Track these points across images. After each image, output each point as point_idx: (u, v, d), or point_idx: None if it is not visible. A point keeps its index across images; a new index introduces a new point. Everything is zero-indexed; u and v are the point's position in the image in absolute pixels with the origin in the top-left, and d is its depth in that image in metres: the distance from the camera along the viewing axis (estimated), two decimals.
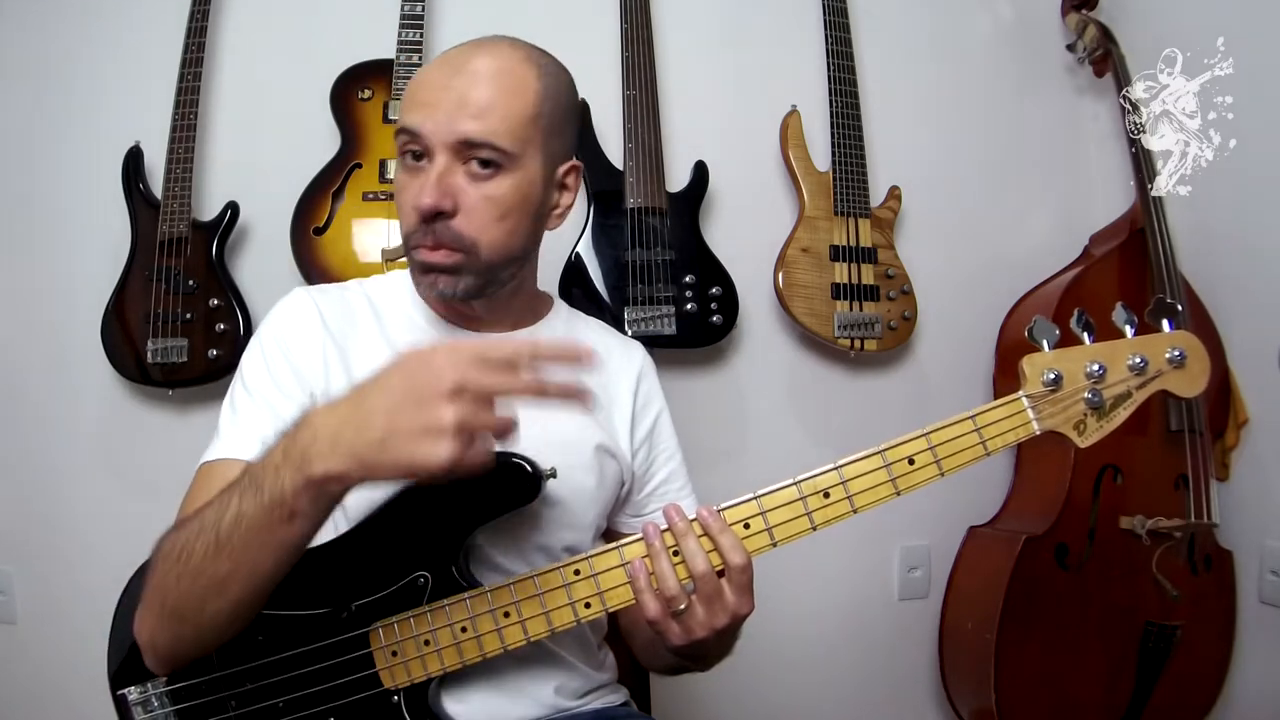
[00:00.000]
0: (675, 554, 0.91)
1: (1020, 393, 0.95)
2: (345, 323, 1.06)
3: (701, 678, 1.62)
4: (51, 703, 1.72)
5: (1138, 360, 0.95)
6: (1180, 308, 0.99)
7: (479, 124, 0.94)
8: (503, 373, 0.76)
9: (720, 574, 0.90)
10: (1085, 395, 0.94)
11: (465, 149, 0.95)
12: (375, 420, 0.74)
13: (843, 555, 1.93)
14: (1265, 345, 1.44)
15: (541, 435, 1.03)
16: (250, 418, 0.98)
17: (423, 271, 0.99)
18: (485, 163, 0.96)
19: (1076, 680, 1.70)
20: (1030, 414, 0.94)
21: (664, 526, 0.92)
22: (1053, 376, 0.94)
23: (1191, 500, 1.70)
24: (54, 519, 1.75)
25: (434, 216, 0.95)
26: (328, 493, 0.78)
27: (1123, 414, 0.96)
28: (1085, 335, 0.96)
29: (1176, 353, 0.96)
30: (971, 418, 0.94)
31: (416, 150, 0.97)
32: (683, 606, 0.90)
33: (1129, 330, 0.96)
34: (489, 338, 1.08)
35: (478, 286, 1.00)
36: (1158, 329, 0.97)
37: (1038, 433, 0.95)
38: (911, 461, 0.93)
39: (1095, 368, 0.94)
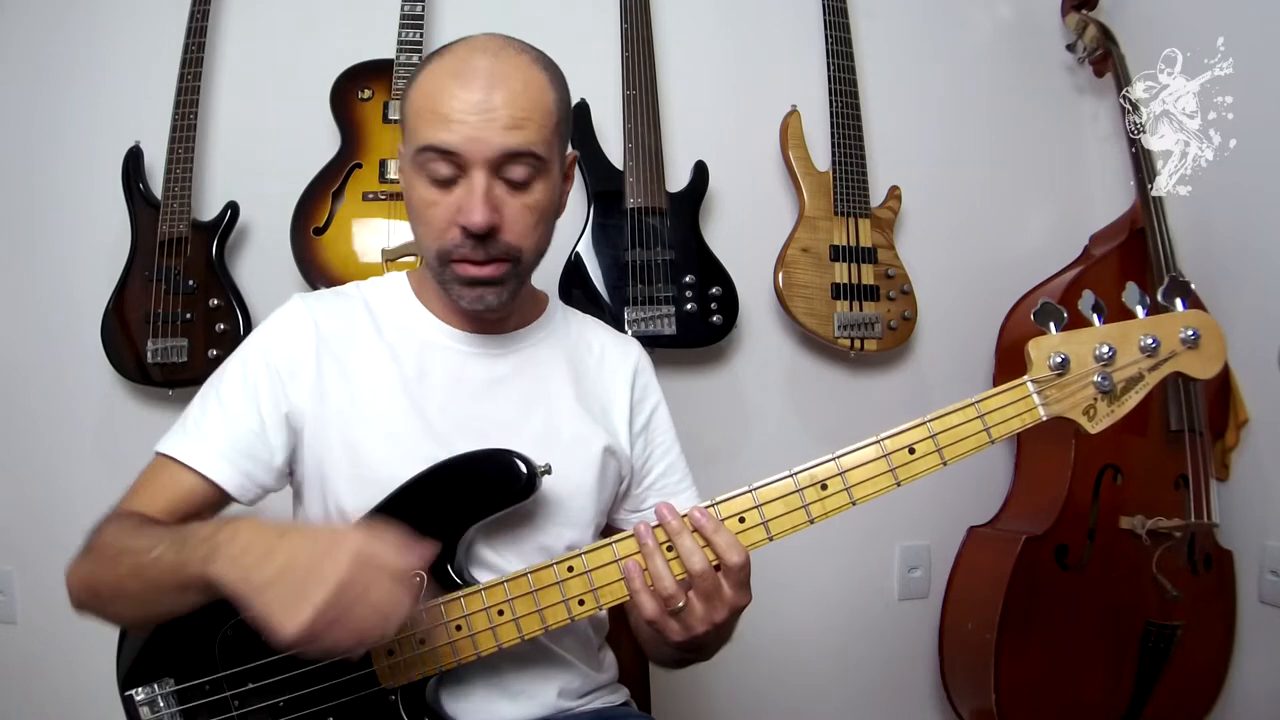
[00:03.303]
0: (670, 549, 0.90)
1: (1025, 377, 0.91)
2: (344, 332, 1.06)
3: (703, 677, 1.62)
4: (51, 703, 1.72)
5: (1150, 341, 0.91)
6: (1194, 286, 0.94)
7: (519, 135, 0.94)
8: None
9: (717, 569, 0.89)
10: (1094, 379, 0.91)
11: (506, 161, 0.95)
12: (338, 598, 0.74)
13: (843, 555, 1.94)
14: (1265, 345, 1.44)
15: (542, 433, 1.04)
16: (213, 428, 1.01)
17: (468, 285, 0.99)
18: (520, 173, 0.96)
19: (1076, 680, 1.70)
20: (1036, 399, 0.91)
21: (655, 524, 0.91)
22: (1060, 360, 0.90)
23: (1191, 500, 1.70)
24: (54, 519, 1.74)
25: (486, 233, 0.95)
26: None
27: (1135, 397, 0.92)
28: (1096, 318, 0.92)
29: (1190, 333, 0.91)
30: (974, 404, 0.91)
31: (446, 172, 0.95)
32: (681, 604, 0.89)
33: (1140, 311, 0.92)
34: (483, 339, 1.08)
35: (515, 291, 1.03)
36: (1171, 310, 0.93)
37: (1044, 418, 0.91)
38: (912, 451, 0.90)
39: (1105, 350, 0.90)
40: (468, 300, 1.00)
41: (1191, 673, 1.74)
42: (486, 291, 1.00)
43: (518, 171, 0.96)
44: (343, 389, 1.03)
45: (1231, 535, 1.78)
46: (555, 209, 1.04)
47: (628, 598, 0.91)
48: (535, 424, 1.05)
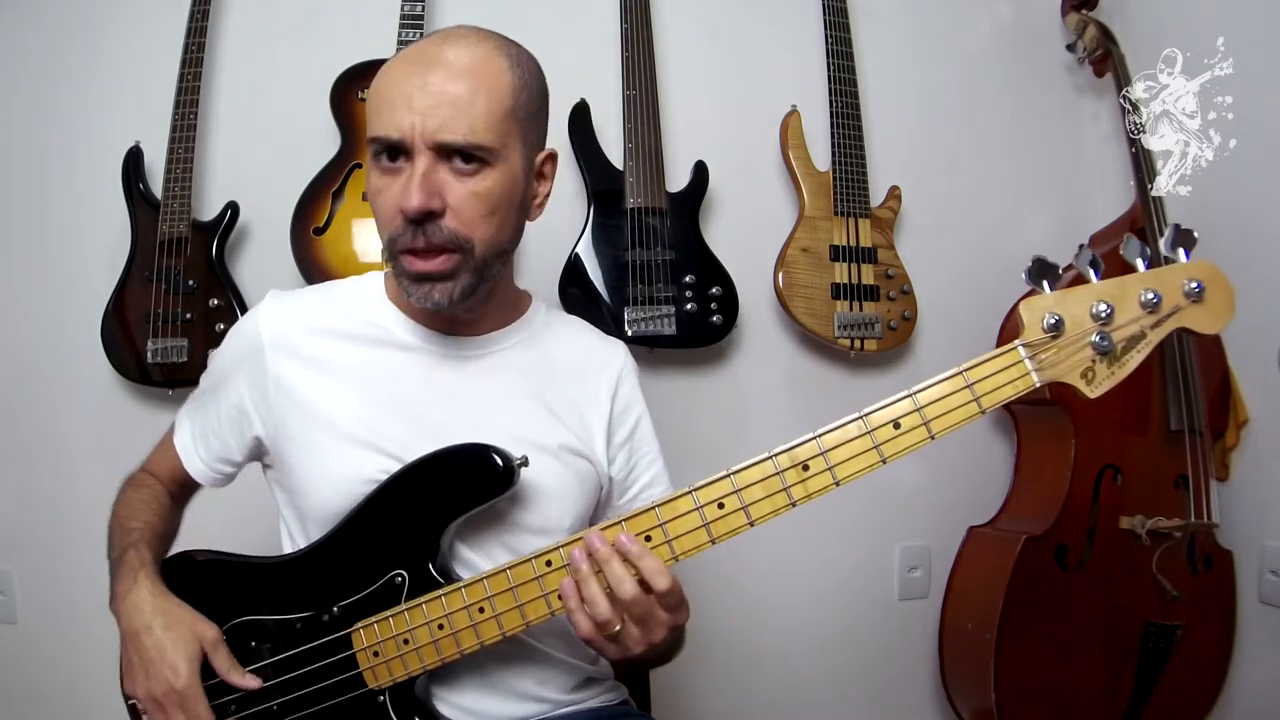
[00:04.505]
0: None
1: (1017, 341, 0.85)
2: (308, 330, 1.05)
3: (702, 677, 1.61)
4: (51, 703, 1.72)
5: (1150, 296, 0.84)
6: (1197, 235, 0.86)
7: (460, 124, 0.91)
8: None
9: (649, 591, 0.88)
10: (1092, 339, 0.84)
11: (448, 148, 0.92)
12: (144, 669, 0.94)
13: (843, 556, 1.93)
14: (1265, 345, 1.44)
15: (502, 439, 0.99)
16: (190, 426, 1.13)
17: (415, 281, 0.95)
18: (468, 158, 0.93)
19: (1077, 680, 1.70)
20: (1028, 364, 0.84)
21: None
22: (1054, 321, 0.84)
23: (1191, 500, 1.70)
24: (54, 519, 1.75)
25: (424, 217, 0.92)
26: None
27: (1137, 357, 0.85)
28: (1092, 274, 0.86)
29: (1194, 285, 0.84)
30: (962, 373, 0.85)
31: (391, 160, 0.94)
32: (617, 629, 0.88)
33: (1140, 264, 0.86)
34: (452, 340, 1.07)
35: (472, 287, 0.97)
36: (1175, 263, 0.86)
37: (1038, 384, 0.85)
38: (897, 425, 0.85)
39: (1102, 308, 0.84)
40: (417, 297, 0.96)
41: (1191, 673, 1.74)
42: (434, 288, 0.95)
43: (463, 158, 0.93)
44: (301, 389, 1.02)
45: (1231, 535, 1.78)
46: (516, 202, 0.99)
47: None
48: (496, 430, 1.01)
